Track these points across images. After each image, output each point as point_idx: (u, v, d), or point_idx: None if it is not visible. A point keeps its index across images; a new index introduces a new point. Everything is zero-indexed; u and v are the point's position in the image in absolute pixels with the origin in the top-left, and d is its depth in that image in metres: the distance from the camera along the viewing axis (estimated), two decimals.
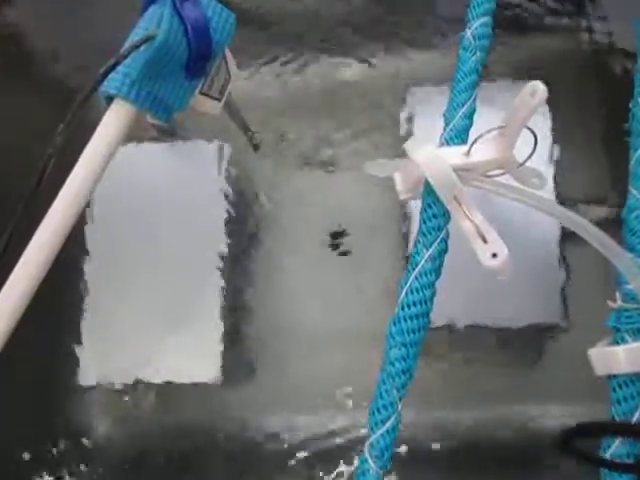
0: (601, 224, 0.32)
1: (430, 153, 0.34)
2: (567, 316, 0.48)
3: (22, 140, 0.53)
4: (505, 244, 0.33)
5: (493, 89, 0.50)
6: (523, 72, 0.53)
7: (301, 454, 0.51)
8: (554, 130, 0.49)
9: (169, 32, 0.33)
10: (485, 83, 0.40)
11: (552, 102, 0.49)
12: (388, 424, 0.33)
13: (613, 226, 0.46)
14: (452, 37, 0.55)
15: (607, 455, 0.31)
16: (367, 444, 0.33)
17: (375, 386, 0.34)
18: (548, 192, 0.48)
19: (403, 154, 0.52)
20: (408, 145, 0.36)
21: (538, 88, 0.31)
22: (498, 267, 0.32)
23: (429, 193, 0.35)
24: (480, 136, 0.33)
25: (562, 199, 0.49)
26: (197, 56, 0.36)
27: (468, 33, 0.37)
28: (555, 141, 0.49)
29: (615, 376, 0.33)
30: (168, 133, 0.55)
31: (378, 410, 0.33)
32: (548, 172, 0.48)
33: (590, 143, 0.51)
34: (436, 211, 0.35)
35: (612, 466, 0.31)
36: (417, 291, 0.34)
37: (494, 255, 0.32)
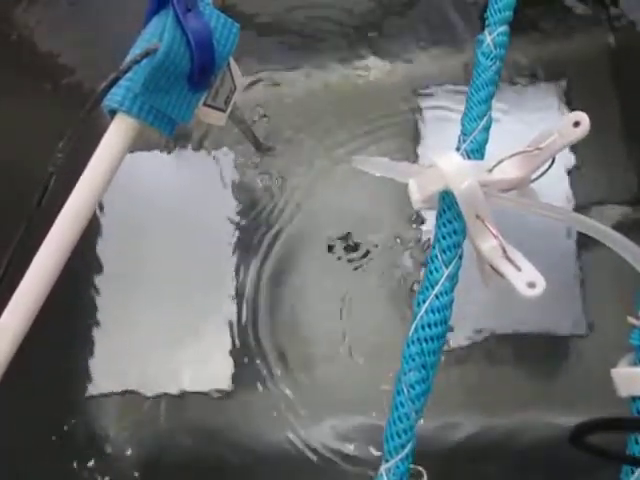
0: (623, 225, 0.30)
1: (457, 165, 0.32)
2: (587, 323, 0.47)
3: (26, 146, 0.52)
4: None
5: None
6: (542, 72, 0.51)
7: (312, 461, 0.50)
8: None
9: (171, 44, 0.32)
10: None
11: (571, 102, 0.48)
12: (407, 448, 0.32)
13: (635, 226, 0.45)
14: (461, 39, 0.54)
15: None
16: (384, 469, 0.32)
17: (392, 405, 0.33)
18: (565, 195, 0.47)
19: (415, 158, 0.51)
20: (428, 151, 0.34)
21: (583, 120, 0.30)
22: (536, 296, 0.30)
23: (449, 207, 0.34)
24: (513, 155, 0.31)
25: (581, 201, 0.48)
26: (200, 68, 0.34)
27: (488, 39, 0.35)
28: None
29: None
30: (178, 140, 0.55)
31: (398, 434, 0.32)
32: (563, 176, 0.47)
33: (610, 144, 0.49)
34: (456, 227, 0.33)
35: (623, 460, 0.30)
36: (438, 311, 0.32)
37: (531, 285, 0.29)
